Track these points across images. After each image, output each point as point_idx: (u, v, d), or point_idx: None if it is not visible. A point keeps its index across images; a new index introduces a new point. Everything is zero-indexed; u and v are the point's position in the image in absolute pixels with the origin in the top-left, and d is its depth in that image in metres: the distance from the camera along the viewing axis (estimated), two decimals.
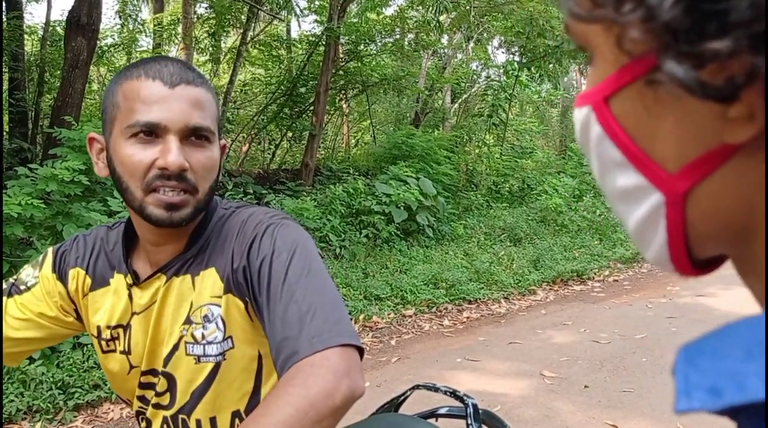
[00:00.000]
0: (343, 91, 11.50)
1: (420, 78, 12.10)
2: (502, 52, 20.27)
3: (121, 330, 1.08)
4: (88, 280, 1.11)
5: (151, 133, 0.94)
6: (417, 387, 1.55)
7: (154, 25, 11.68)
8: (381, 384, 4.07)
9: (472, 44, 14.46)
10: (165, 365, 1.04)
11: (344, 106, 12.92)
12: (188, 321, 1.02)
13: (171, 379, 1.04)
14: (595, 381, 4.07)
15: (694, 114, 0.33)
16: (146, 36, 12.48)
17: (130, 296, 1.07)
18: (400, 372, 4.33)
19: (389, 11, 11.79)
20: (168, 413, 1.06)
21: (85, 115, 7.89)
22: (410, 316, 5.66)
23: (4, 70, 6.91)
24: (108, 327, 1.09)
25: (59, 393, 3.61)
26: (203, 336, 1.01)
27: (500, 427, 1.38)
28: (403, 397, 1.55)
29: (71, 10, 6.02)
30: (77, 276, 1.12)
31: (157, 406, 1.07)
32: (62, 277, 1.12)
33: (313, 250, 0.98)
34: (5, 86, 7.25)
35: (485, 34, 13.97)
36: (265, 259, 0.95)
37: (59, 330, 1.14)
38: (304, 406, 0.76)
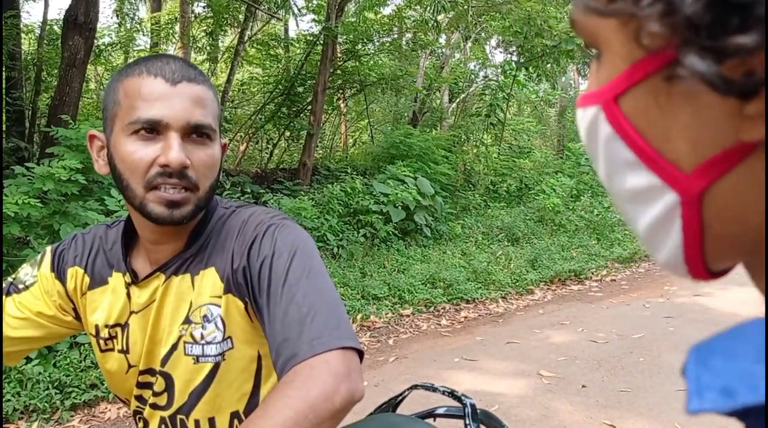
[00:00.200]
0: (340, 91, 11.50)
1: (418, 77, 12.10)
2: (500, 52, 20.29)
3: (119, 329, 1.08)
4: (87, 279, 1.11)
5: (153, 130, 0.94)
6: (415, 387, 1.55)
7: (152, 24, 11.66)
8: (379, 383, 4.07)
9: (469, 44, 14.47)
10: (162, 365, 1.04)
11: (342, 105, 12.92)
12: (187, 320, 1.01)
13: (169, 379, 1.04)
14: (592, 381, 4.07)
15: (709, 111, 0.32)
16: (144, 35, 12.47)
17: (129, 295, 1.07)
18: (397, 371, 4.32)
19: (387, 11, 11.79)
20: (166, 413, 1.05)
21: (82, 114, 7.88)
22: (408, 316, 5.66)
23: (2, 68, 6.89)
24: (106, 326, 1.08)
25: (56, 393, 3.60)
26: (202, 336, 1.00)
27: (498, 427, 1.38)
28: (400, 397, 1.55)
29: (68, 8, 6.01)
30: (76, 275, 1.11)
31: (155, 406, 1.06)
32: (61, 276, 1.12)
33: (313, 251, 0.98)
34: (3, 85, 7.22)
35: (483, 34, 13.98)
36: (265, 260, 0.94)
37: (58, 329, 1.13)
38: (304, 409, 0.76)
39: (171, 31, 11.43)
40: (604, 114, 0.37)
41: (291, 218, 1.05)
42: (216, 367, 1.00)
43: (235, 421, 1.04)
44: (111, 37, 11.47)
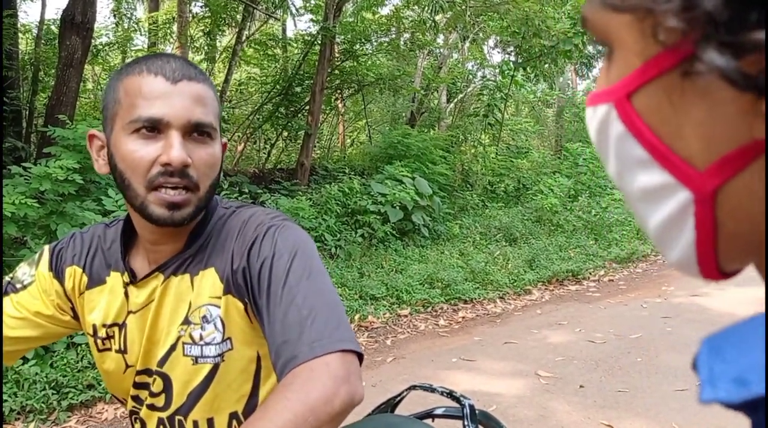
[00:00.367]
0: (338, 91, 11.49)
1: (416, 77, 12.10)
2: (498, 52, 20.29)
3: (116, 329, 1.07)
4: (85, 278, 1.10)
5: (154, 128, 0.93)
6: (413, 387, 1.54)
7: (149, 24, 11.64)
8: (376, 384, 4.07)
9: (467, 44, 14.47)
10: (160, 365, 1.03)
11: (340, 105, 12.91)
12: (186, 321, 1.01)
13: (167, 380, 1.03)
14: (590, 381, 4.08)
15: (723, 108, 0.32)
16: (141, 35, 12.45)
17: (127, 294, 1.06)
18: (395, 372, 4.32)
19: (385, 11, 11.79)
20: (164, 414, 1.04)
21: (79, 114, 7.87)
22: (406, 316, 5.65)
23: None
24: (104, 325, 1.08)
25: (53, 393, 3.59)
26: (201, 337, 1.00)
27: None
28: (399, 398, 1.54)
29: (66, 8, 5.99)
30: (74, 274, 1.11)
31: (152, 407, 1.06)
32: (59, 275, 1.11)
33: (313, 253, 0.98)
34: None
35: (481, 34, 13.98)
36: (265, 261, 0.94)
37: (55, 329, 1.13)
38: (303, 412, 0.75)
39: (168, 31, 11.43)
40: (616, 112, 0.37)
41: (291, 219, 1.05)
42: (215, 368, 1.00)
43: (234, 422, 1.03)
44: (108, 37, 11.47)
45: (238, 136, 10.95)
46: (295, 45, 11.87)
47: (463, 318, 5.75)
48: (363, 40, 10.45)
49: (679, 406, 3.64)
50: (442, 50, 14.16)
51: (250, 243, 0.98)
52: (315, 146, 10.70)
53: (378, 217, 7.49)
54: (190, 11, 10.59)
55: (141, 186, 0.94)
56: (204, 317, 1.00)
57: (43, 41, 9.00)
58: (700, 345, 0.34)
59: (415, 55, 12.32)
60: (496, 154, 12.19)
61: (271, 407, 0.77)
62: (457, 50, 15.18)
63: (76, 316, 1.13)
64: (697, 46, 0.31)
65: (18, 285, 1.11)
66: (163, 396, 1.04)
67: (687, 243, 0.36)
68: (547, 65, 11.66)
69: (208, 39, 10.47)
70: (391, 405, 1.53)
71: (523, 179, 11.54)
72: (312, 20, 11.10)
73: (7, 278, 1.14)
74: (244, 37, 10.32)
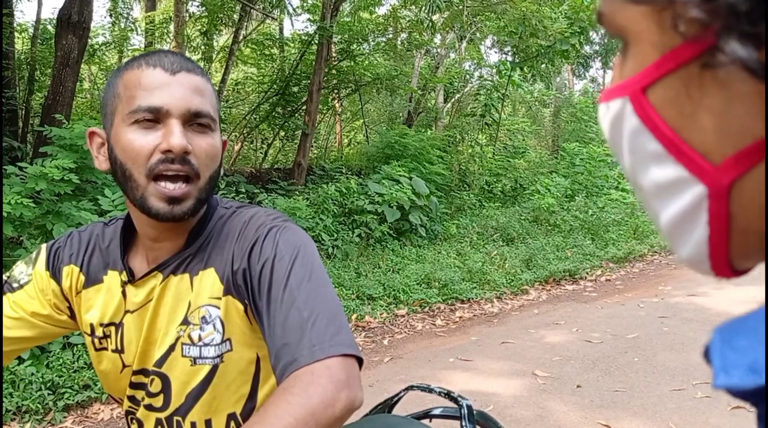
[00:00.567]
0: (335, 91, 11.49)
1: (413, 77, 12.11)
2: (495, 52, 20.33)
3: (112, 329, 1.07)
4: (82, 277, 1.09)
5: (153, 118, 0.94)
6: (411, 387, 1.54)
7: (146, 24, 11.63)
8: (373, 384, 4.07)
9: (464, 44, 14.48)
10: (157, 365, 1.02)
11: (337, 105, 12.92)
12: (186, 321, 1.00)
13: (165, 380, 1.02)
14: (587, 381, 4.08)
15: (741, 102, 0.32)
16: (138, 34, 12.44)
17: (124, 293, 1.06)
18: (392, 371, 4.32)
19: (382, 10, 11.79)
20: (162, 415, 1.04)
21: (75, 114, 7.85)
22: (403, 316, 5.65)
23: None
24: (101, 324, 1.07)
25: (49, 394, 3.58)
26: (200, 338, 0.99)
27: None
28: (396, 398, 1.54)
29: (62, 8, 5.98)
30: (71, 273, 1.10)
31: (150, 407, 1.05)
32: (56, 275, 1.10)
33: (314, 255, 0.97)
34: None
35: (478, 34, 14.00)
36: (266, 262, 0.93)
37: (51, 329, 1.12)
38: (304, 416, 0.75)
39: (165, 31, 11.41)
40: (632, 105, 0.37)
41: (292, 220, 1.05)
42: (214, 369, 0.99)
43: (232, 423, 1.03)
44: (105, 37, 11.46)
45: (235, 136, 10.95)
46: (292, 45, 11.87)
47: (460, 318, 5.75)
48: (360, 40, 10.46)
49: (675, 406, 3.65)
50: (439, 50, 14.16)
51: (251, 244, 0.97)
52: (312, 146, 10.69)
53: (375, 217, 7.49)
54: (187, 11, 10.58)
55: (141, 175, 0.94)
56: (203, 318, 0.99)
57: (39, 41, 8.99)
58: (712, 334, 0.34)
59: (412, 54, 12.33)
60: (493, 153, 12.20)
61: (272, 410, 0.76)
62: (454, 50, 15.19)
63: (72, 316, 1.12)
64: (718, 36, 0.31)
65: (15, 285, 1.10)
66: (161, 396, 1.03)
67: (699, 239, 0.36)
68: (543, 65, 11.69)
69: (205, 38, 10.47)
70: (388, 405, 1.53)
71: (520, 179, 11.55)
72: (309, 20, 11.09)
73: (3, 277, 1.13)
74: (241, 37, 10.32)
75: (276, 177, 9.15)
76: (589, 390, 3.93)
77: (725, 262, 0.37)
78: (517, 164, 12.24)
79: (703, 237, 0.36)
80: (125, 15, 12.48)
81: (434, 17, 10.74)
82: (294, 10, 11.75)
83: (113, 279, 1.07)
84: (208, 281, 1.00)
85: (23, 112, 7.81)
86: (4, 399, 3.44)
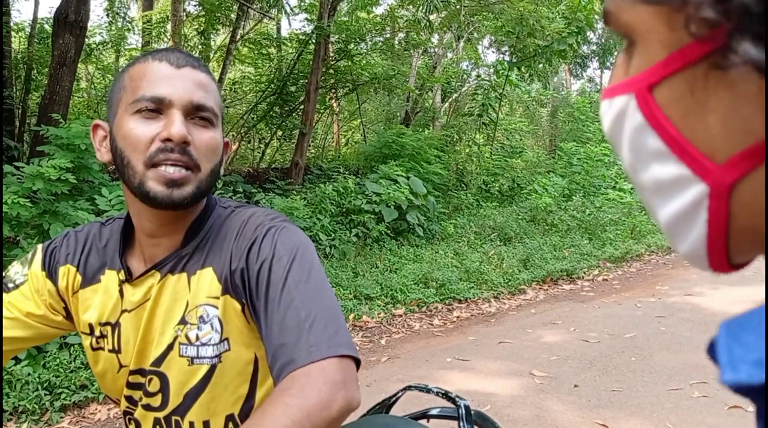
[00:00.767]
0: (333, 90, 11.48)
1: (410, 77, 12.10)
2: (493, 52, 20.35)
3: (109, 328, 1.06)
4: (79, 277, 1.09)
5: (156, 109, 0.94)
6: (409, 388, 1.54)
7: (143, 23, 11.61)
8: (371, 383, 4.06)
9: (462, 43, 14.48)
10: (154, 365, 1.02)
11: (334, 104, 12.91)
12: (183, 321, 1.00)
13: (164, 380, 1.02)
14: (584, 381, 4.08)
15: (747, 102, 0.32)
16: (135, 34, 12.41)
17: (122, 293, 1.05)
18: (390, 371, 4.32)
19: (379, 10, 11.80)
20: (161, 414, 1.04)
21: (72, 113, 7.84)
22: (400, 316, 5.65)
23: None
24: (99, 324, 1.07)
25: (45, 394, 3.58)
26: (197, 338, 0.99)
27: None
28: (394, 398, 1.54)
29: (59, 7, 5.97)
30: (68, 273, 1.09)
31: (148, 407, 1.05)
32: (52, 275, 1.10)
33: (313, 256, 0.97)
34: None
35: (475, 34, 14.00)
36: (264, 263, 0.93)
37: (46, 329, 1.11)
38: (300, 418, 0.75)
39: (162, 30, 11.39)
40: (636, 103, 0.37)
41: (291, 221, 1.04)
42: (212, 369, 0.99)
43: (230, 424, 1.02)
44: (102, 36, 11.41)
45: (233, 136, 10.93)
46: (289, 44, 11.86)
47: (458, 317, 5.75)
48: (358, 40, 10.45)
49: (673, 405, 3.65)
50: (436, 50, 14.16)
51: (250, 243, 0.97)
52: (309, 145, 10.69)
53: (372, 217, 7.49)
54: (184, 10, 10.57)
55: (140, 163, 0.94)
56: (201, 317, 0.99)
57: (36, 40, 8.96)
58: (718, 329, 0.35)
59: (409, 54, 12.32)
60: (491, 153, 12.21)
61: (269, 412, 0.76)
62: (451, 50, 15.20)
63: (69, 316, 1.11)
64: (731, 37, 0.31)
65: (10, 285, 1.10)
66: (159, 396, 1.03)
67: (698, 236, 0.37)
68: (541, 65, 11.70)
69: (202, 38, 10.44)
70: (386, 405, 1.53)
71: (517, 179, 11.55)
72: (307, 19, 11.09)
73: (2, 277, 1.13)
74: (238, 36, 10.30)
75: (273, 176, 9.14)
76: (587, 389, 3.94)
77: (723, 259, 0.37)
78: (514, 164, 12.25)
79: (702, 235, 0.36)
80: (122, 14, 12.44)
81: (432, 17, 10.74)
82: (291, 9, 11.75)
83: (111, 278, 1.07)
84: (206, 280, 1.00)
85: (20, 112, 7.78)
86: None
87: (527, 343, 4.90)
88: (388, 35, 11.48)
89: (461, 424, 1.34)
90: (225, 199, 1.12)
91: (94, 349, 1.09)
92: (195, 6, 10.84)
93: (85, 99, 10.90)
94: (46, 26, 9.21)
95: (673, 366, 4.29)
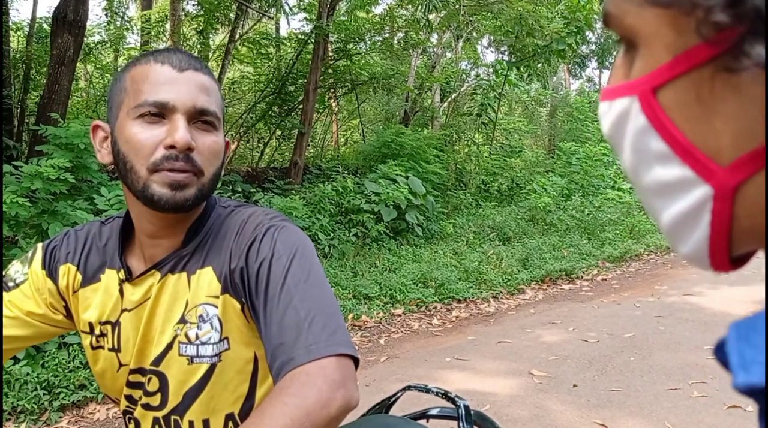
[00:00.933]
0: (332, 90, 11.48)
1: (409, 77, 12.10)
2: (492, 51, 20.34)
3: (109, 327, 1.06)
4: (79, 276, 1.09)
5: (159, 113, 0.94)
6: (408, 388, 1.54)
7: (142, 22, 11.60)
8: (370, 383, 4.06)
9: (461, 43, 14.48)
10: (154, 364, 1.02)
11: (333, 104, 12.90)
12: (183, 320, 1.00)
13: (163, 379, 1.02)
14: (583, 380, 4.08)
15: (752, 105, 0.32)
16: (134, 33, 12.40)
17: (122, 292, 1.05)
18: (389, 371, 4.32)
19: (378, 9, 11.79)
20: (160, 414, 1.04)
21: (71, 113, 7.83)
22: (399, 315, 5.65)
23: None
24: (99, 323, 1.07)
25: (44, 394, 3.57)
26: (197, 337, 0.99)
27: None
28: (393, 398, 1.54)
29: (57, 6, 5.96)
30: (68, 272, 1.09)
31: (147, 407, 1.05)
32: (52, 274, 1.10)
33: (312, 255, 0.97)
34: None
35: (474, 33, 14.00)
36: (264, 262, 0.93)
37: (46, 328, 1.11)
38: (300, 417, 0.75)
39: (161, 30, 11.37)
40: (640, 105, 0.37)
41: (291, 220, 1.04)
42: (212, 368, 0.99)
43: (230, 423, 1.02)
44: (101, 35, 11.40)
45: (232, 135, 10.92)
46: (288, 44, 11.86)
47: (457, 317, 5.75)
48: (357, 39, 10.45)
49: (672, 405, 3.65)
50: (435, 49, 14.16)
51: (249, 243, 0.97)
52: (308, 145, 10.68)
53: (371, 216, 7.49)
54: (183, 9, 10.56)
55: (143, 168, 0.94)
56: (200, 316, 0.99)
57: (34, 39, 8.95)
58: (727, 331, 0.35)
59: (408, 54, 12.32)
60: (490, 153, 12.21)
61: (268, 411, 0.76)
62: (450, 49, 15.19)
63: (69, 315, 1.11)
64: (743, 40, 0.31)
65: (10, 284, 1.10)
66: (158, 395, 1.03)
67: (700, 238, 0.37)
68: (540, 64, 11.70)
69: (201, 37, 10.44)
70: (385, 405, 1.53)
71: (516, 178, 11.56)
72: (306, 19, 11.09)
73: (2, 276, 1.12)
74: (237, 36, 10.30)
75: (272, 176, 9.13)
76: (586, 389, 3.94)
77: (725, 259, 0.37)
78: (513, 163, 12.25)
79: (704, 237, 0.36)
80: (121, 14, 12.43)
81: (431, 16, 10.74)
82: (290, 9, 11.75)
83: (111, 277, 1.07)
84: (206, 280, 1.00)
85: (18, 111, 7.77)
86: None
87: (526, 343, 4.90)
88: (387, 35, 11.47)
89: (461, 424, 1.34)
90: (224, 199, 1.12)
91: (93, 348, 1.08)
92: (194, 5, 10.84)
93: (83, 98, 10.89)
94: (45, 25, 9.20)
95: (672, 365, 4.29)
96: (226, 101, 11.21)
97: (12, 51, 8.36)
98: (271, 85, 10.58)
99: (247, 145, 12.03)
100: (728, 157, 0.34)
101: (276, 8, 11.35)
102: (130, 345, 1.04)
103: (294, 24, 30.73)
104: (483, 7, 10.71)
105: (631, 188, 11.26)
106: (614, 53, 21.63)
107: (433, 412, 1.47)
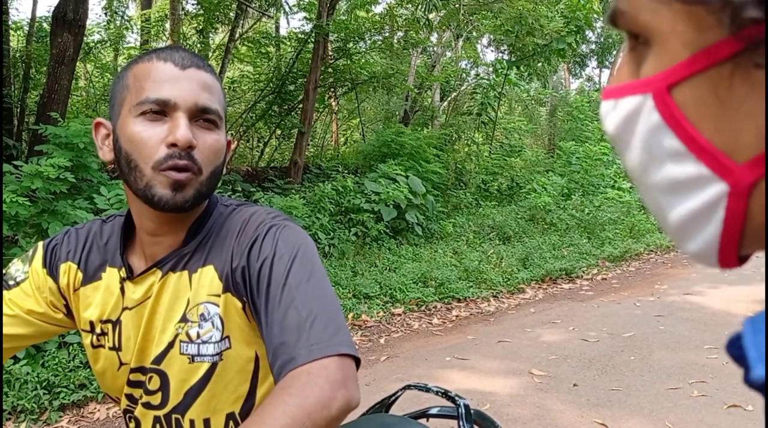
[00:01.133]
0: (332, 89, 11.48)
1: (409, 76, 12.10)
2: (492, 51, 20.34)
3: (110, 326, 1.06)
4: (80, 275, 1.09)
5: (161, 111, 0.94)
6: (408, 387, 1.54)
7: (142, 22, 11.59)
8: (370, 383, 4.06)
9: (461, 42, 14.48)
10: (154, 362, 1.02)
11: (333, 103, 12.90)
12: (184, 319, 1.00)
13: (164, 377, 1.02)
14: (584, 380, 4.08)
15: None
16: (133, 32, 12.40)
17: (123, 290, 1.05)
18: (389, 370, 4.32)
19: (378, 9, 11.79)
20: (160, 413, 1.03)
21: (71, 112, 7.83)
22: (399, 315, 5.65)
23: None
24: (100, 321, 1.07)
25: (44, 393, 3.57)
26: (198, 335, 0.99)
27: None
28: (393, 397, 1.54)
29: (57, 5, 5.96)
30: (69, 270, 1.09)
31: (148, 405, 1.04)
32: (53, 272, 1.10)
33: (314, 255, 0.97)
34: None
35: (474, 33, 14.00)
36: (265, 261, 0.93)
37: (46, 327, 1.11)
38: (301, 416, 0.75)
39: (161, 29, 11.37)
40: (654, 103, 0.37)
41: (293, 219, 1.04)
42: (213, 367, 0.99)
43: (231, 423, 1.02)
44: (100, 35, 11.41)
45: (232, 134, 10.90)
46: (288, 43, 11.85)
47: (457, 316, 5.75)
48: (356, 38, 10.45)
49: (672, 404, 3.65)
50: (435, 48, 14.16)
51: (251, 242, 0.97)
52: (308, 144, 10.68)
53: (371, 216, 7.49)
54: (183, 9, 10.56)
55: (147, 166, 0.94)
56: (202, 315, 0.99)
57: (34, 38, 8.95)
58: (743, 326, 0.35)
59: (408, 53, 12.32)
60: (490, 152, 12.21)
61: (269, 411, 0.76)
62: (450, 49, 15.19)
63: (69, 314, 1.11)
64: None
65: (11, 282, 1.10)
66: (159, 394, 1.03)
67: (711, 235, 0.37)
68: (540, 64, 11.70)
69: (201, 37, 10.43)
70: (385, 404, 1.53)
71: (516, 178, 11.56)
72: (305, 18, 11.09)
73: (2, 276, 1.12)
74: (237, 35, 10.30)
75: (272, 175, 9.13)
76: (586, 388, 3.94)
77: (734, 256, 0.37)
78: (513, 163, 12.25)
79: (716, 234, 0.36)
80: (121, 13, 12.43)
81: (431, 16, 10.74)
82: (290, 8, 11.74)
83: (112, 276, 1.07)
84: (207, 278, 1.00)
85: (18, 110, 7.77)
86: None
87: (526, 342, 4.90)
88: (387, 34, 11.47)
89: (461, 423, 1.33)
90: (226, 198, 1.12)
91: (94, 347, 1.08)
92: (193, 5, 10.83)
93: (83, 98, 10.89)
94: (45, 25, 9.20)
95: (672, 365, 4.29)
96: (227, 100, 11.21)
97: (12, 50, 8.36)
98: (271, 85, 10.57)
99: (247, 144, 12.02)
100: (745, 155, 0.34)
101: (276, 7, 11.34)
102: (131, 344, 1.04)
103: (294, 23, 30.77)
104: (483, 6, 10.70)
105: (631, 187, 11.27)
106: (615, 52, 21.62)
107: (433, 411, 1.47)
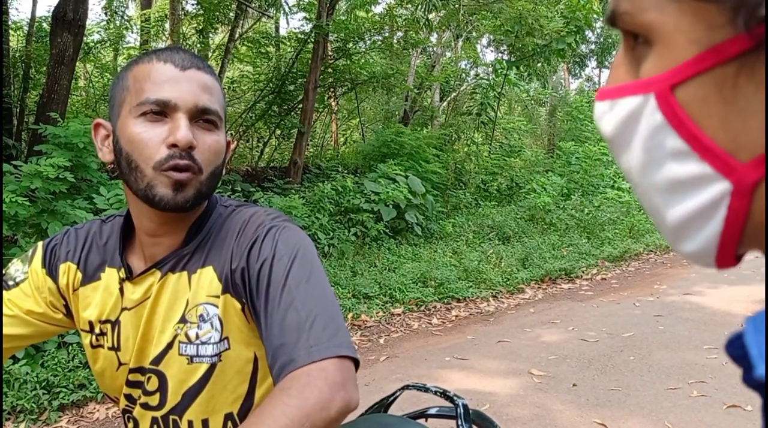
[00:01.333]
0: (332, 89, 11.47)
1: (409, 76, 12.10)
2: (491, 51, 20.34)
3: (109, 326, 1.06)
4: (79, 275, 1.09)
5: (161, 112, 0.94)
6: (407, 387, 1.54)
7: (141, 22, 11.59)
8: (369, 383, 4.06)
9: (461, 42, 14.48)
10: (153, 363, 1.02)
11: (333, 103, 12.90)
12: (183, 319, 1.00)
13: (162, 378, 1.02)
14: (583, 380, 4.08)
15: None
16: (133, 32, 12.40)
17: (122, 291, 1.05)
18: (388, 370, 4.32)
19: (378, 9, 11.79)
20: (158, 413, 1.03)
21: (71, 112, 7.83)
22: (399, 315, 5.65)
23: None
24: (99, 321, 1.07)
25: (44, 393, 3.57)
26: (197, 336, 0.99)
27: None
28: (392, 397, 1.54)
29: (57, 5, 5.96)
30: (68, 270, 1.09)
31: (146, 406, 1.05)
32: (52, 272, 1.10)
33: (314, 256, 0.97)
34: None
35: (474, 33, 14.00)
36: (265, 262, 0.93)
37: (46, 327, 1.11)
38: (300, 418, 0.76)
39: (161, 29, 11.37)
40: (657, 103, 0.37)
41: (292, 220, 1.04)
42: (212, 368, 0.99)
43: (229, 423, 1.02)
44: (100, 35, 11.40)
45: (231, 134, 10.89)
46: (288, 43, 11.85)
47: (457, 316, 5.75)
48: (356, 39, 10.45)
49: (671, 404, 3.66)
50: (435, 49, 14.16)
51: (251, 243, 0.97)
52: (308, 144, 10.68)
53: (371, 216, 7.49)
54: (183, 9, 10.56)
55: (148, 166, 0.94)
56: (201, 316, 0.99)
57: (34, 38, 8.94)
58: (744, 324, 0.35)
59: (408, 53, 12.32)
60: (489, 152, 12.21)
61: (268, 411, 0.77)
62: (450, 49, 15.19)
63: (69, 314, 1.11)
64: None
65: (10, 282, 1.10)
66: (157, 395, 1.03)
67: (711, 234, 0.37)
68: (540, 64, 11.70)
69: (201, 37, 10.43)
70: (384, 405, 1.53)
71: (516, 178, 11.56)
72: (305, 18, 11.09)
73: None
74: (237, 35, 10.30)
75: (272, 175, 9.13)
76: (585, 388, 3.94)
77: (732, 255, 0.37)
78: (513, 163, 12.25)
79: (716, 233, 0.36)
80: (120, 13, 12.42)
81: (430, 16, 10.74)
82: (290, 8, 11.74)
83: (111, 276, 1.07)
84: (206, 279, 1.00)
85: (18, 110, 7.77)
86: None
87: (526, 342, 4.90)
88: (387, 34, 11.47)
89: (460, 423, 1.33)
90: (226, 198, 1.12)
91: (93, 347, 1.08)
92: (193, 5, 10.83)
93: (83, 98, 10.88)
94: (45, 25, 9.20)
95: (671, 365, 4.29)
96: (226, 100, 11.21)
97: (11, 50, 8.36)
98: (271, 85, 10.57)
99: (247, 144, 12.02)
100: (748, 153, 0.34)
101: (275, 7, 11.34)
102: (130, 344, 1.04)
103: (294, 23, 30.76)
104: (483, 6, 10.71)
105: (630, 188, 11.26)
106: (614, 53, 21.62)
107: (432, 411, 1.46)
